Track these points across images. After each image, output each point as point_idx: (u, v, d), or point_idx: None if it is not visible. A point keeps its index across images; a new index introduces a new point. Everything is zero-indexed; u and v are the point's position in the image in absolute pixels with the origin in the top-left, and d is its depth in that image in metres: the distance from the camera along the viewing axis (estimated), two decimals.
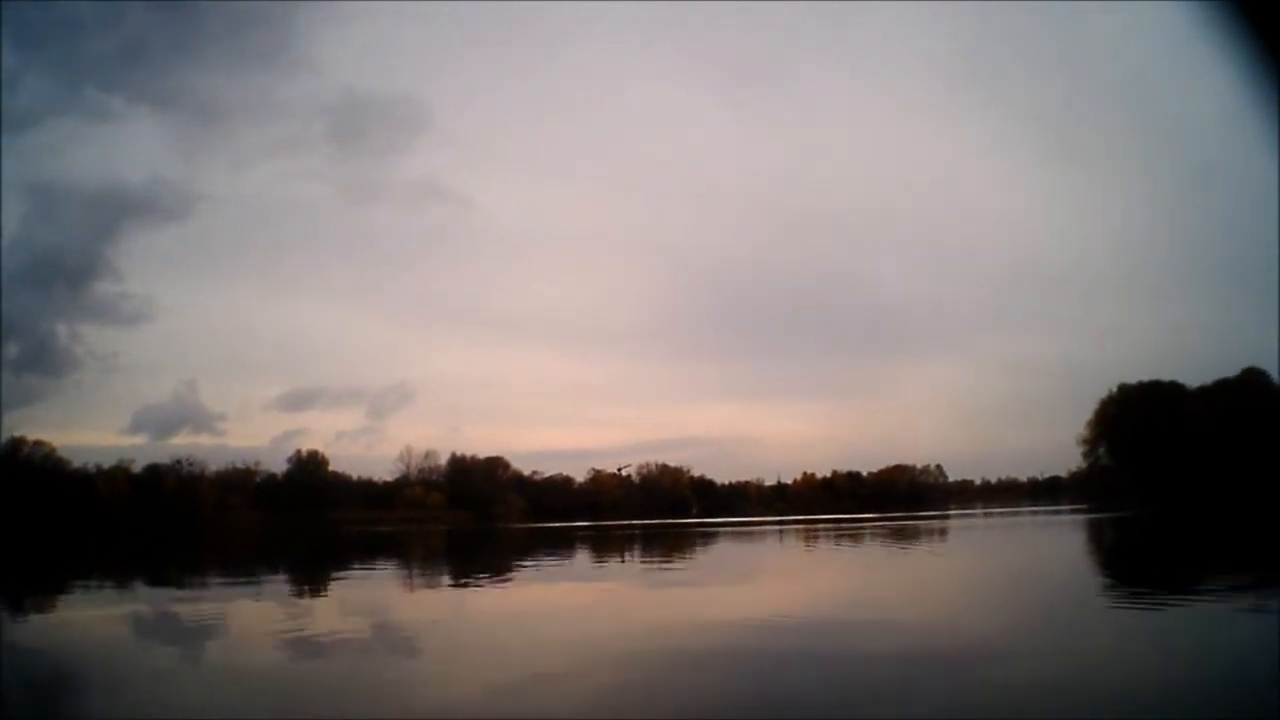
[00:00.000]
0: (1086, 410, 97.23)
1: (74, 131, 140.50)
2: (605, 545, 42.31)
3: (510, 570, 27.90)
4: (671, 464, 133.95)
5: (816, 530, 51.84)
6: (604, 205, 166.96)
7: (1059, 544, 33.31)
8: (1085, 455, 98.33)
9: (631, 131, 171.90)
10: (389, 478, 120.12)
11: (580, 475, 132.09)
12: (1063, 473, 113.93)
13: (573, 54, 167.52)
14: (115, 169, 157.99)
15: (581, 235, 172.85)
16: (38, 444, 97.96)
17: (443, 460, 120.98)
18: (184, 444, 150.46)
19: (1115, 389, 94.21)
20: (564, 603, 17.48)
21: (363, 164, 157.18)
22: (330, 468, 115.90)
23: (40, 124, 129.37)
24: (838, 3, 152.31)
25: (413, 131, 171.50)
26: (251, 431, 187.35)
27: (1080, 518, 53.28)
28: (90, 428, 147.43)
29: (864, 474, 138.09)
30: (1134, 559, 25.87)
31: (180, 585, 24.46)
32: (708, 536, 48.47)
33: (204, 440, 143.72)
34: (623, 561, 31.63)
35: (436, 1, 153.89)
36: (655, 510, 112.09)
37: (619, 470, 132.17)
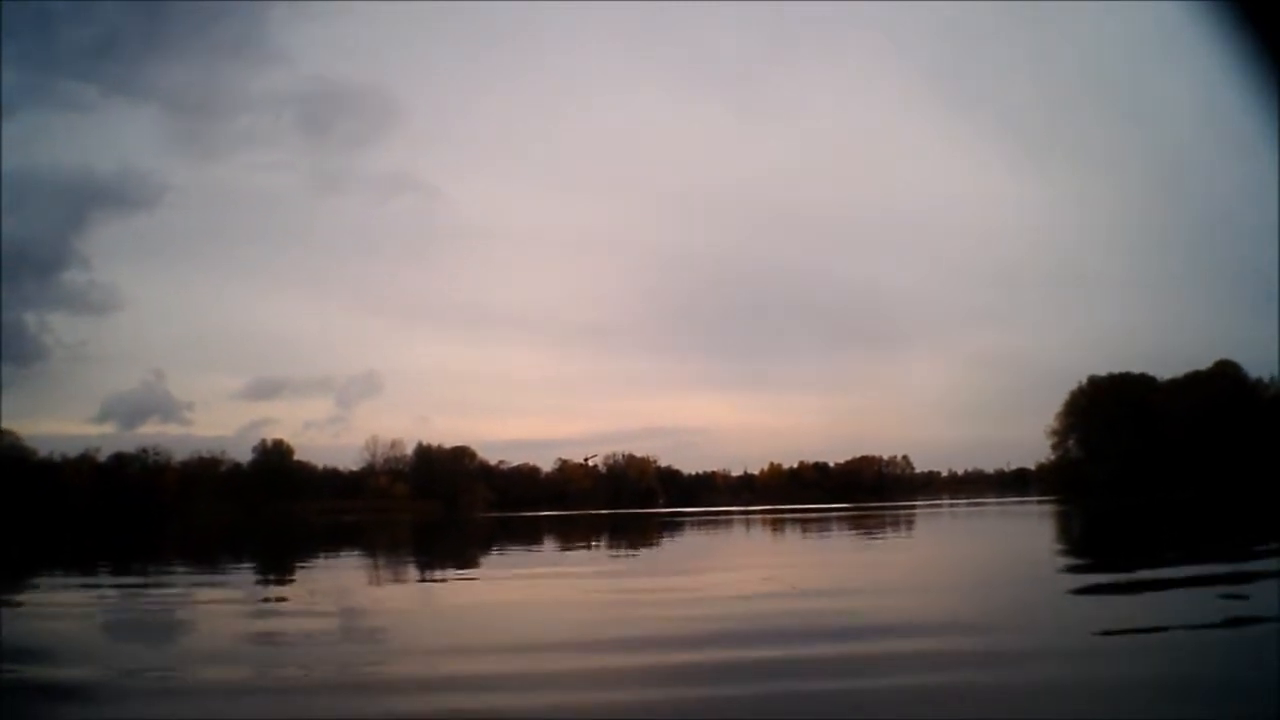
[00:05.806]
0: (1056, 403, 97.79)
1: (46, 122, 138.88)
2: (570, 535, 42.50)
3: (470, 562, 28.08)
4: (638, 454, 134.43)
5: (781, 520, 52.27)
6: (574, 200, 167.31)
7: (1009, 532, 34.07)
8: (1054, 447, 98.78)
9: (602, 127, 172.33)
10: (355, 467, 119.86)
11: (547, 465, 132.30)
12: (1031, 465, 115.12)
13: (546, 49, 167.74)
14: (85, 159, 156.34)
15: (551, 229, 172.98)
16: (4, 433, 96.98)
17: (409, 450, 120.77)
18: (151, 433, 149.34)
19: (1085, 381, 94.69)
20: (524, 592, 17.63)
21: (332, 156, 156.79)
22: (297, 457, 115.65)
23: (12, 115, 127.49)
24: (818, 2, 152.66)
25: (383, 124, 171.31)
26: (219, 421, 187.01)
27: (1044, 508, 54.06)
28: (58, 416, 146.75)
29: (831, 465, 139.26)
30: (1079, 545, 26.35)
31: (142, 574, 24.36)
32: (674, 526, 48.81)
33: (171, 429, 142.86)
34: (589, 550, 31.84)
35: None
36: (622, 500, 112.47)
37: (586, 460, 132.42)
